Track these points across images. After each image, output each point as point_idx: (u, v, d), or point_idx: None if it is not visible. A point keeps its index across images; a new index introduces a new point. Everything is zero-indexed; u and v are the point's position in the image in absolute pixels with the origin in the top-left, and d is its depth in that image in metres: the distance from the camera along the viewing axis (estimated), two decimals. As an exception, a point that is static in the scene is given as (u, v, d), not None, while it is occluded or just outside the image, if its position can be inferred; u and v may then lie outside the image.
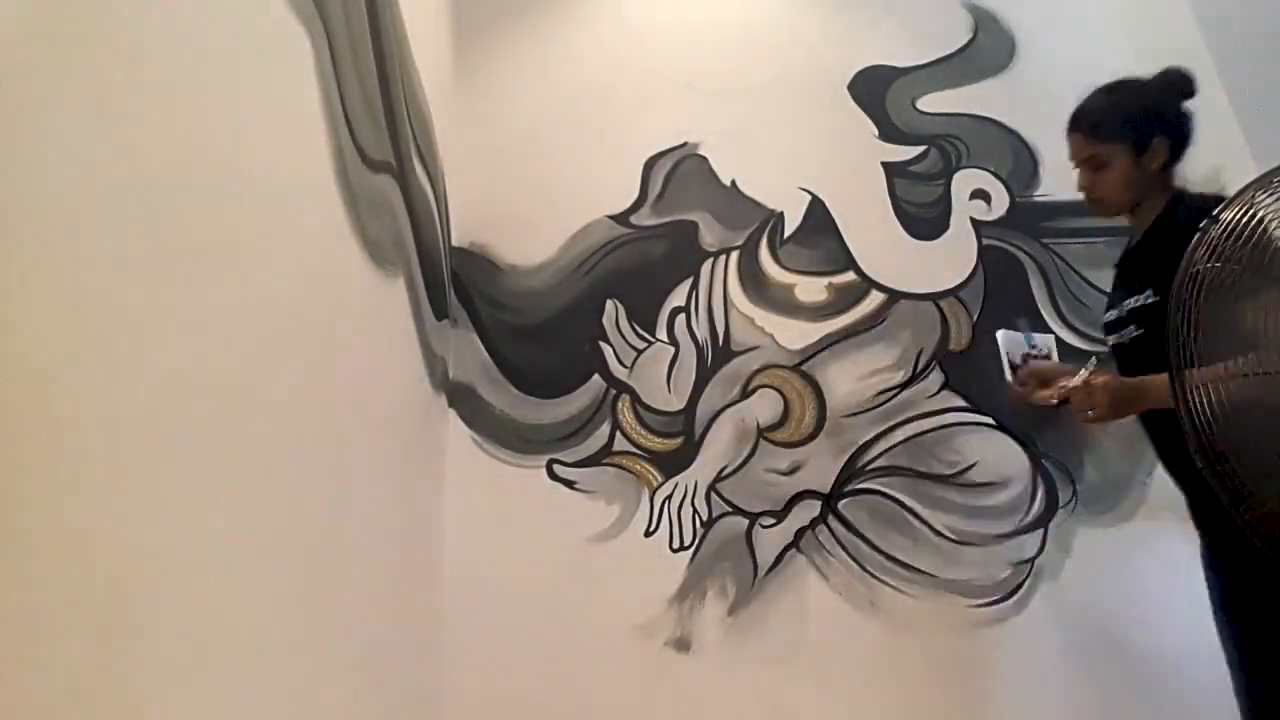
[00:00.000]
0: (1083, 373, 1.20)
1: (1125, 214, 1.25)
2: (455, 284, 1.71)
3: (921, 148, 1.88)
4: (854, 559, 1.53)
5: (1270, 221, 0.85)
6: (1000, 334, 1.67)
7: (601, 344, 1.68)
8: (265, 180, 0.72)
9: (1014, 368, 1.63)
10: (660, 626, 1.49)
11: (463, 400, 1.63)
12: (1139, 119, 1.23)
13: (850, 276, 1.76)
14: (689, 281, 1.74)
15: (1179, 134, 1.23)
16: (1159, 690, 1.47)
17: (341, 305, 0.94)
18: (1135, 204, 1.23)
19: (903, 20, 2.00)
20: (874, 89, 1.93)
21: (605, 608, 1.50)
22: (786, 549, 1.54)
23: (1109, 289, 1.73)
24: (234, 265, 0.65)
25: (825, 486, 1.57)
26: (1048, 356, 1.67)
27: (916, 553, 1.53)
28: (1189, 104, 1.26)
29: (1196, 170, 1.79)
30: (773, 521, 1.56)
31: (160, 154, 0.55)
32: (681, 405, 1.65)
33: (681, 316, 1.71)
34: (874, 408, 1.66)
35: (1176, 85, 1.27)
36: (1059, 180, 1.86)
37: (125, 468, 0.49)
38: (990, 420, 1.66)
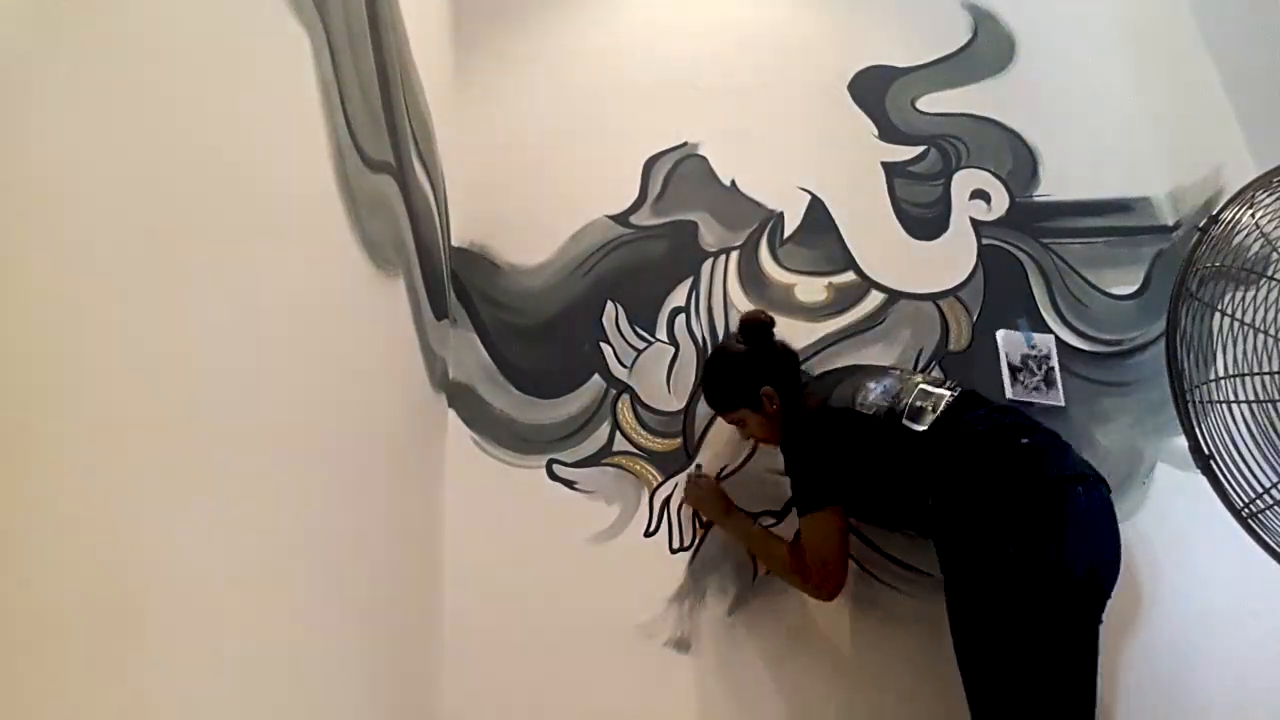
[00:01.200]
0: (690, 470, 1.57)
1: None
2: (455, 284, 1.71)
3: (921, 148, 1.88)
4: (854, 559, 1.53)
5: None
6: (1000, 334, 1.68)
7: (601, 344, 1.68)
8: (265, 180, 0.72)
9: (1013, 368, 1.63)
10: (660, 626, 1.49)
11: (463, 400, 1.63)
12: (738, 388, 1.44)
13: (850, 276, 1.76)
14: (689, 281, 1.74)
15: (778, 372, 1.44)
16: (1158, 690, 1.47)
17: (341, 305, 0.94)
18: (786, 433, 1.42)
19: (903, 20, 2.01)
20: (874, 89, 1.93)
21: (605, 608, 1.50)
22: (786, 549, 1.54)
23: (1104, 290, 1.75)
24: (233, 265, 0.65)
25: (825, 486, 1.57)
26: (1047, 356, 1.68)
27: (916, 553, 1.53)
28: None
29: (1197, 170, 1.80)
30: (773, 521, 1.56)
31: (159, 154, 0.55)
32: (681, 405, 1.65)
33: (681, 316, 1.71)
34: (874, 408, 1.65)
35: (754, 328, 1.46)
36: (1059, 180, 1.86)
37: (123, 467, 0.49)
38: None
